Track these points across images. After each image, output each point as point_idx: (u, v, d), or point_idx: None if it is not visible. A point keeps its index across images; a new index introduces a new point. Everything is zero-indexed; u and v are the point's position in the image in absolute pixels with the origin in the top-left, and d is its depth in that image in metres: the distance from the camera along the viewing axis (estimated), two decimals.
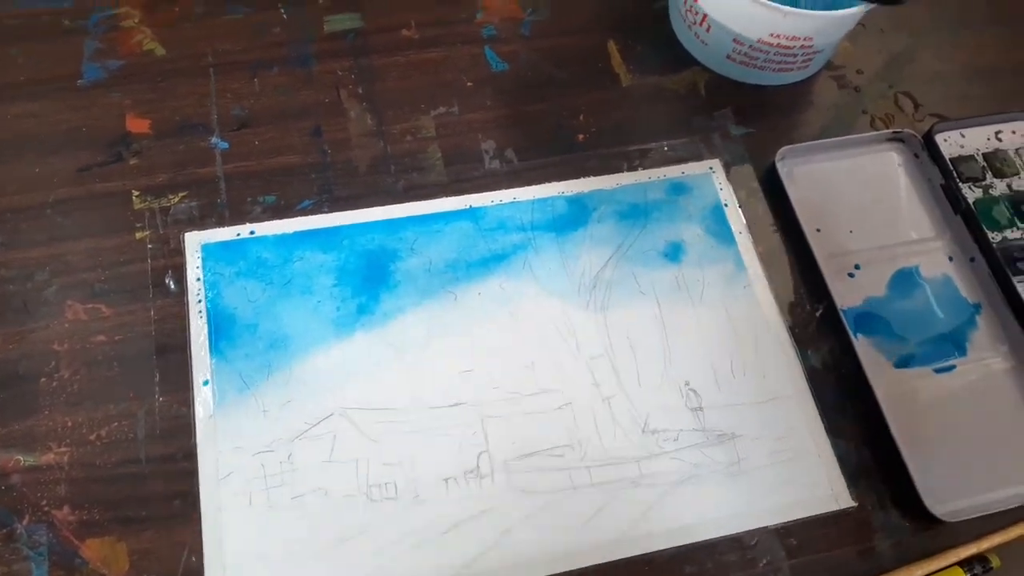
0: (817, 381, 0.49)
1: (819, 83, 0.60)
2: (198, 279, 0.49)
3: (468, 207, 0.53)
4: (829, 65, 0.61)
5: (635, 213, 0.54)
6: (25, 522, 0.43)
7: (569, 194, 0.54)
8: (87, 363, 0.47)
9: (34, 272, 0.49)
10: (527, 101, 0.58)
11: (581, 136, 0.56)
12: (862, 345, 0.50)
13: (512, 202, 0.53)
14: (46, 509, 0.43)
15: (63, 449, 0.45)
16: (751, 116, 0.58)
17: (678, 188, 0.55)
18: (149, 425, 0.46)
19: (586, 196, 0.54)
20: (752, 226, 0.54)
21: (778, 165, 0.55)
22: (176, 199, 0.52)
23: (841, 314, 0.50)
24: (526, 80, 0.58)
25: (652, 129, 0.57)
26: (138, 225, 0.51)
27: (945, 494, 0.46)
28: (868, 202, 0.56)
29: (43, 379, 0.46)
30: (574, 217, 0.53)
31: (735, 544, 0.45)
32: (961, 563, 0.45)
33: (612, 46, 0.60)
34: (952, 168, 0.56)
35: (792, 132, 0.58)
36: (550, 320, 0.50)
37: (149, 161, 0.53)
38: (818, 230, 0.54)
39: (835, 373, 0.50)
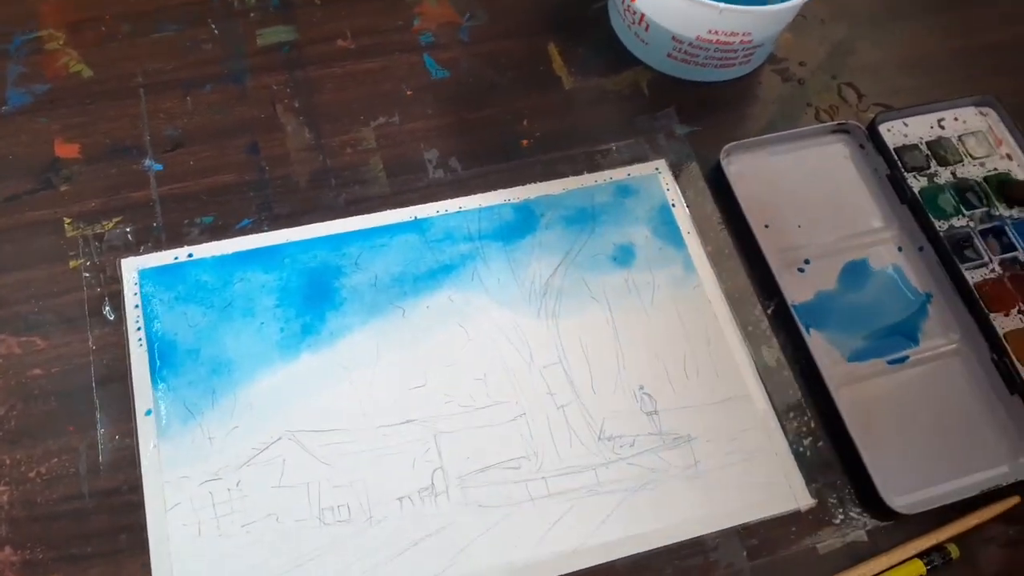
0: (772, 379, 0.49)
1: (763, 77, 0.60)
2: (136, 306, 0.48)
3: (413, 219, 0.52)
4: (772, 58, 0.61)
5: (583, 218, 0.53)
6: None
7: (515, 201, 0.53)
8: (23, 398, 0.45)
9: None
10: (469, 108, 0.57)
11: (525, 141, 0.56)
12: (815, 340, 0.50)
13: (458, 211, 0.53)
14: None
15: (2, 488, 0.43)
16: (695, 114, 0.58)
17: (625, 190, 0.54)
18: (91, 459, 0.44)
19: (533, 202, 0.53)
20: (700, 225, 0.54)
21: (723, 163, 0.55)
22: (110, 225, 0.50)
23: (792, 310, 0.50)
24: (467, 86, 0.58)
25: (596, 131, 0.57)
26: (71, 253, 0.49)
27: (903, 487, 0.46)
28: (815, 195, 0.56)
29: None
30: (521, 224, 0.53)
31: (696, 547, 0.45)
32: (920, 555, 0.45)
33: (553, 48, 0.60)
34: (897, 158, 0.56)
35: (737, 128, 0.58)
36: (501, 330, 0.49)
37: (80, 187, 0.51)
38: (766, 226, 0.54)
39: (789, 370, 0.50)
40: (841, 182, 0.57)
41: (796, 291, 0.52)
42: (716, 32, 0.54)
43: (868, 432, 0.47)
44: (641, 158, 0.56)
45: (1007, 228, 0.54)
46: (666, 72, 0.59)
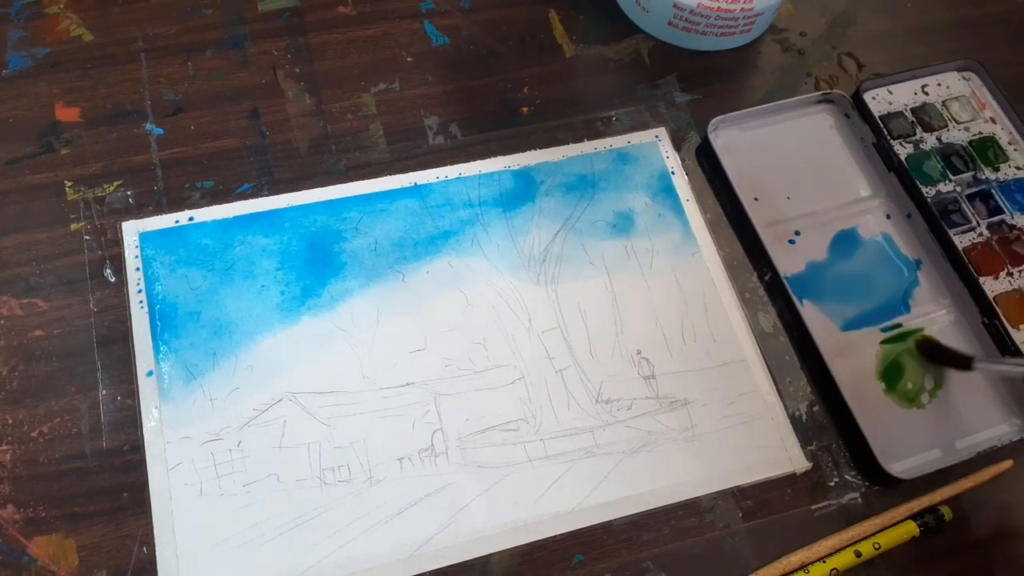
0: (768, 345, 0.50)
1: (763, 47, 0.60)
2: (137, 269, 0.48)
3: (413, 184, 0.52)
4: (772, 28, 0.61)
5: (582, 184, 0.53)
6: None
7: (515, 168, 0.53)
8: (25, 359, 0.46)
9: None
10: (470, 75, 0.57)
11: (525, 109, 0.56)
12: (808, 311, 0.50)
13: (458, 178, 0.53)
14: None
15: (4, 447, 0.44)
16: (696, 82, 0.58)
17: (624, 158, 0.54)
18: (93, 419, 0.45)
19: (532, 169, 0.54)
20: (699, 193, 0.54)
21: (711, 136, 0.54)
22: (111, 188, 0.50)
23: (785, 282, 0.50)
24: (468, 53, 0.58)
25: (597, 99, 0.57)
26: (73, 216, 0.50)
27: (899, 452, 0.47)
28: (803, 167, 0.56)
29: None
30: (521, 191, 0.53)
31: (692, 509, 0.45)
32: (913, 516, 0.45)
33: (554, 16, 0.60)
34: (882, 125, 0.56)
35: (737, 97, 0.58)
36: (500, 296, 0.50)
37: (81, 151, 0.52)
38: (756, 199, 0.54)
39: (785, 336, 0.50)
40: (828, 152, 0.57)
41: (788, 263, 0.52)
42: (717, 0, 0.54)
43: (864, 398, 0.48)
44: (641, 126, 0.56)
45: (994, 191, 0.55)
46: (667, 40, 0.59)
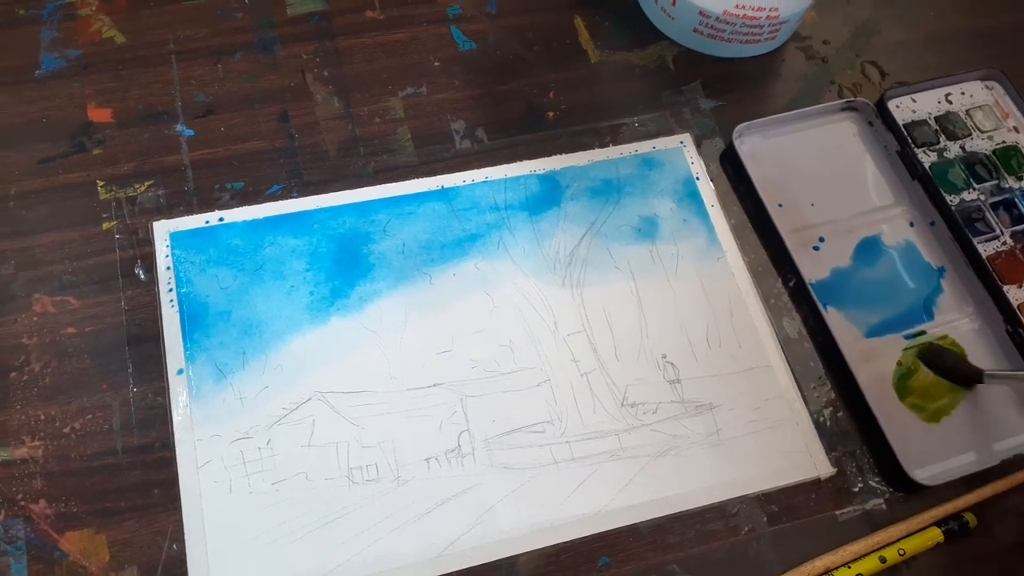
0: (792, 350, 0.50)
1: (787, 54, 0.61)
2: (168, 268, 0.49)
3: (440, 187, 0.53)
4: (796, 36, 0.61)
5: (608, 189, 0.54)
6: (1, 517, 0.42)
7: (541, 172, 0.54)
8: (58, 356, 0.46)
9: None
10: (496, 80, 0.57)
11: (551, 113, 0.56)
12: (832, 317, 0.51)
13: (484, 181, 0.53)
14: (22, 503, 0.43)
15: (37, 443, 0.44)
16: (720, 89, 0.58)
17: (650, 163, 0.55)
18: (124, 416, 0.45)
19: (558, 173, 0.54)
20: (724, 199, 0.54)
21: (735, 143, 0.55)
22: (142, 188, 0.51)
23: (810, 288, 0.51)
24: (494, 59, 0.58)
25: (622, 105, 0.57)
26: (104, 215, 0.50)
27: (923, 458, 0.47)
28: (827, 174, 0.56)
29: (13, 373, 0.45)
30: (547, 195, 0.53)
31: (717, 513, 0.45)
32: (938, 523, 0.45)
33: (579, 22, 0.60)
34: (906, 134, 0.56)
35: (761, 104, 0.58)
36: (526, 298, 0.50)
37: (113, 151, 0.52)
38: (780, 205, 0.54)
39: (809, 342, 0.50)
40: (851, 159, 0.57)
41: (812, 269, 0.52)
42: (743, 7, 0.54)
43: (889, 405, 0.48)
44: (666, 132, 0.56)
45: (1017, 200, 0.55)
46: (692, 47, 0.59)
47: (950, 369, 0.49)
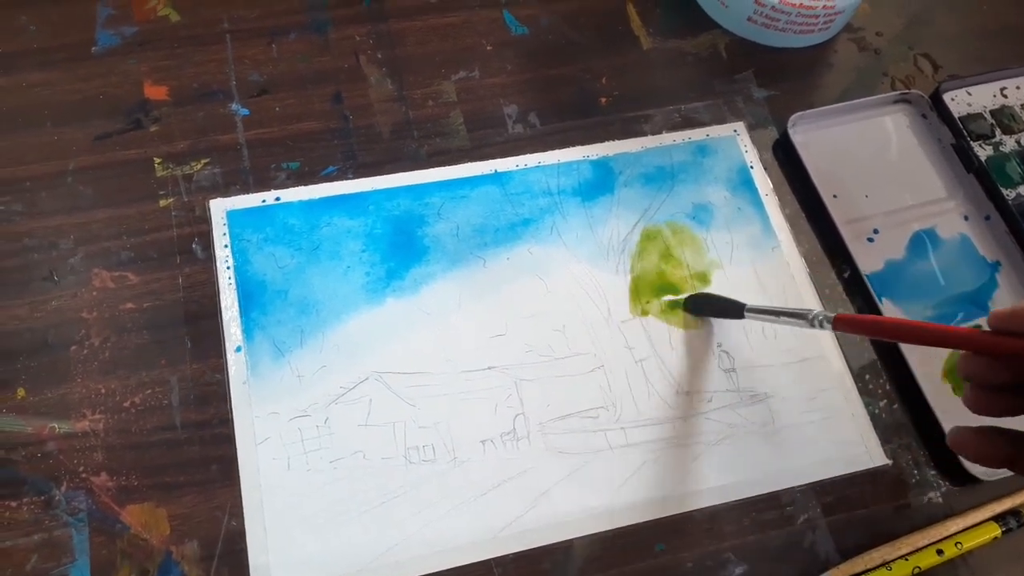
0: (848, 341, 0.50)
1: (839, 45, 0.60)
2: (225, 246, 0.49)
3: (494, 172, 0.53)
4: (849, 27, 0.61)
5: (661, 176, 0.54)
6: (63, 489, 0.42)
7: (594, 158, 0.54)
8: (117, 331, 0.46)
9: (58, 241, 0.48)
10: (548, 65, 0.57)
11: (604, 99, 0.56)
12: (886, 309, 0.50)
13: (537, 166, 0.53)
14: (84, 476, 0.43)
15: (97, 416, 0.44)
16: (772, 79, 0.58)
17: (703, 150, 0.55)
18: (183, 392, 0.45)
19: (611, 160, 0.54)
20: (778, 189, 0.54)
21: (790, 132, 0.55)
22: (199, 166, 0.51)
23: (866, 280, 0.50)
24: (546, 44, 0.58)
25: (674, 92, 0.57)
26: (161, 192, 0.50)
27: None
28: (880, 165, 0.56)
29: (73, 347, 0.46)
30: (600, 181, 0.53)
31: (772, 502, 0.45)
32: (995, 518, 0.45)
33: (631, 9, 0.60)
34: (962, 127, 0.56)
35: (814, 94, 0.58)
36: (580, 284, 0.50)
37: (169, 128, 0.52)
38: (835, 196, 0.54)
39: None
40: (905, 151, 0.57)
41: (866, 260, 0.52)
42: None
43: (946, 398, 0.48)
44: (719, 120, 0.56)
45: None
46: (745, 36, 0.59)
47: (717, 308, 0.49)
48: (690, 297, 0.50)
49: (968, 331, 0.34)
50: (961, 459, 0.45)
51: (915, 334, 0.36)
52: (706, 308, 0.49)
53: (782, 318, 0.44)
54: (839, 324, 0.39)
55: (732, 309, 0.47)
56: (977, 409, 0.36)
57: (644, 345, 0.49)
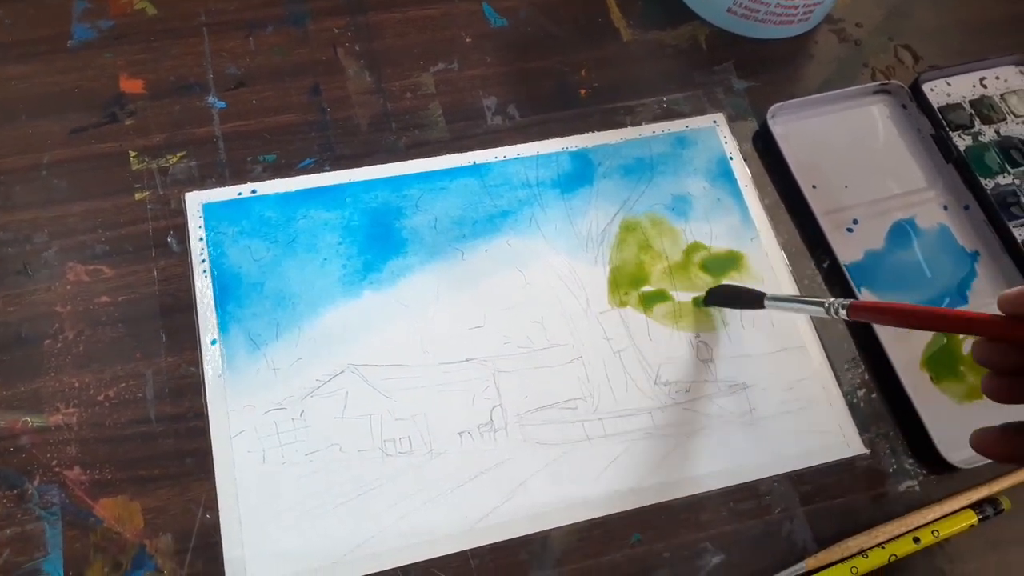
0: (827, 331, 0.50)
1: (819, 36, 0.60)
2: (201, 239, 0.48)
3: (472, 163, 0.52)
4: (829, 18, 0.61)
5: (640, 167, 0.53)
6: (36, 482, 0.42)
7: (573, 149, 0.54)
8: (91, 324, 0.46)
9: (32, 235, 0.48)
10: (527, 57, 0.57)
11: (583, 91, 0.56)
12: (866, 298, 0.50)
13: (516, 158, 0.53)
14: (57, 470, 0.43)
15: (71, 410, 0.44)
16: (753, 70, 0.58)
17: (682, 142, 0.54)
18: (158, 385, 0.45)
19: (590, 151, 0.54)
20: (757, 180, 0.54)
21: (770, 123, 0.54)
22: (175, 159, 0.51)
23: (844, 270, 0.50)
24: (526, 36, 0.58)
25: (654, 83, 0.57)
26: (137, 186, 0.50)
27: (959, 440, 0.46)
28: (860, 156, 0.56)
29: (47, 341, 0.45)
30: (579, 172, 0.53)
31: (750, 492, 0.45)
32: (972, 505, 0.45)
33: (611, 1, 0.60)
34: (941, 117, 0.56)
35: (793, 86, 0.58)
36: (558, 276, 0.50)
37: (145, 121, 0.52)
38: (814, 187, 0.54)
39: (844, 324, 0.50)
40: (884, 142, 0.57)
41: (845, 250, 0.52)
42: None
43: (924, 387, 0.48)
44: (698, 111, 0.56)
45: None
46: (725, 27, 0.59)
47: (735, 298, 0.48)
48: (712, 290, 0.49)
49: (989, 317, 0.33)
50: (937, 446, 0.45)
51: (934, 320, 0.35)
52: (726, 300, 0.49)
53: (801, 306, 0.44)
54: (855, 311, 0.39)
55: (753, 299, 0.46)
56: (998, 397, 0.34)
57: (622, 336, 0.48)
